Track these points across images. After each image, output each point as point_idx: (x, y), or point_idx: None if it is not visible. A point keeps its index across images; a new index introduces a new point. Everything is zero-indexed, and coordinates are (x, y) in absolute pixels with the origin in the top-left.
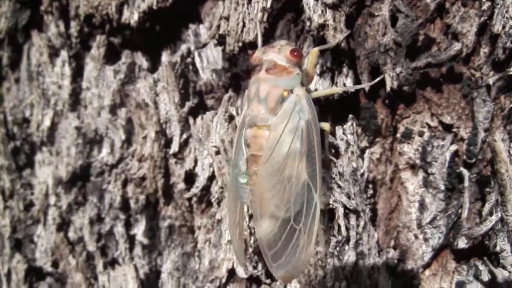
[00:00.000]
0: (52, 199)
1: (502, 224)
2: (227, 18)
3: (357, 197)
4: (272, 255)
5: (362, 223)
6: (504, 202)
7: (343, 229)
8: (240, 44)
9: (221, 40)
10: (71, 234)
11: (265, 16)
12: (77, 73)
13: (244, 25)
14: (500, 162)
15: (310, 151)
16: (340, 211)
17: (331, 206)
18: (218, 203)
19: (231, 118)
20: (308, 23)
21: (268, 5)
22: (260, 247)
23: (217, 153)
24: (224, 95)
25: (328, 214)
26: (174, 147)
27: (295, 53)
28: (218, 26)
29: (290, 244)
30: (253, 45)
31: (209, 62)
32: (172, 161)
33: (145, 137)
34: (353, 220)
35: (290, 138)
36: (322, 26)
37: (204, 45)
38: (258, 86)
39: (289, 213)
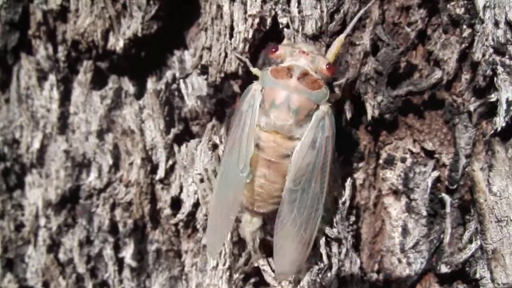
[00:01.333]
0: (42, 221)
1: (482, 252)
2: (209, 49)
3: (339, 225)
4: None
5: (344, 250)
6: (483, 231)
7: (324, 257)
8: (222, 75)
9: (203, 70)
10: (61, 256)
11: (247, 47)
12: (65, 97)
13: (226, 56)
14: (479, 192)
15: (324, 165)
16: (322, 240)
17: None
18: (204, 229)
19: (214, 146)
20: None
21: (250, 36)
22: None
23: (202, 181)
24: (208, 123)
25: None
26: (160, 173)
27: (331, 69)
28: (201, 57)
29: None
30: (235, 76)
31: (194, 88)
32: (158, 186)
33: (131, 164)
34: (335, 248)
35: (312, 152)
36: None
37: (187, 75)
38: (289, 95)
39: (300, 221)
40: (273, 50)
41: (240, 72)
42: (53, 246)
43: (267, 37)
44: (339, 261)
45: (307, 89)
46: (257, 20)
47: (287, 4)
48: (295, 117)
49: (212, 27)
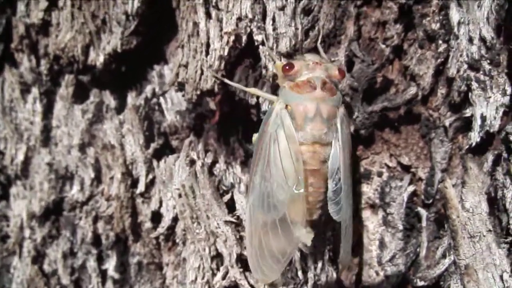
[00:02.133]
0: (27, 232)
1: (455, 267)
2: (185, 66)
3: (315, 240)
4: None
5: (320, 265)
6: (456, 246)
7: (299, 272)
8: (198, 92)
9: (180, 87)
10: (46, 267)
11: (222, 64)
12: (48, 110)
13: (202, 73)
14: (451, 208)
15: (350, 159)
16: (297, 255)
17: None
18: (183, 243)
19: (192, 162)
20: (264, 71)
21: (225, 53)
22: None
23: (180, 196)
24: (185, 139)
25: None
26: (141, 187)
27: (342, 73)
28: (177, 74)
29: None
30: (211, 93)
31: (173, 103)
32: (139, 200)
33: (112, 178)
34: (310, 262)
35: (342, 151)
36: (277, 76)
37: (164, 93)
38: (318, 105)
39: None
40: (288, 67)
41: (216, 89)
42: (38, 257)
43: (242, 54)
44: (315, 275)
45: (330, 96)
46: (232, 38)
47: (262, 22)
48: (327, 124)
49: (189, 44)
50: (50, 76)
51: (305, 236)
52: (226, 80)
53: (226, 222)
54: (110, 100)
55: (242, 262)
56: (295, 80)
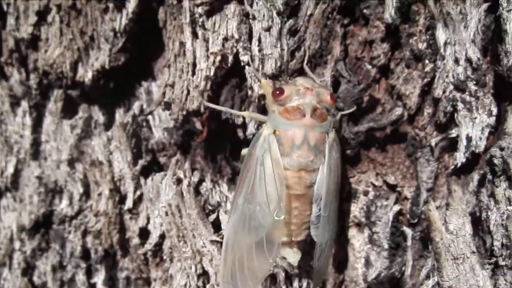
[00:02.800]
0: (17, 244)
1: None
2: (172, 86)
3: (300, 260)
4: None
5: (305, 284)
6: (440, 268)
7: None
8: (184, 112)
9: (167, 107)
10: (36, 279)
11: (209, 85)
12: (38, 124)
13: (188, 93)
14: (435, 231)
15: (338, 181)
16: (281, 275)
17: (271, 271)
18: (171, 260)
19: (178, 181)
20: (250, 91)
21: (212, 73)
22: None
23: (166, 214)
24: (172, 158)
25: (270, 278)
26: (129, 203)
27: (333, 98)
28: (164, 93)
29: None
30: (197, 113)
31: (161, 120)
32: (127, 216)
33: (100, 194)
34: (295, 282)
35: (330, 176)
36: (263, 96)
37: (150, 112)
38: (306, 133)
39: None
40: (278, 92)
41: (202, 109)
42: (28, 269)
43: (229, 74)
44: None
45: (319, 123)
46: (218, 58)
47: (248, 42)
48: (314, 151)
49: (175, 64)
50: (39, 90)
51: (292, 256)
52: (218, 107)
53: (212, 241)
54: (99, 115)
55: None
56: (285, 105)
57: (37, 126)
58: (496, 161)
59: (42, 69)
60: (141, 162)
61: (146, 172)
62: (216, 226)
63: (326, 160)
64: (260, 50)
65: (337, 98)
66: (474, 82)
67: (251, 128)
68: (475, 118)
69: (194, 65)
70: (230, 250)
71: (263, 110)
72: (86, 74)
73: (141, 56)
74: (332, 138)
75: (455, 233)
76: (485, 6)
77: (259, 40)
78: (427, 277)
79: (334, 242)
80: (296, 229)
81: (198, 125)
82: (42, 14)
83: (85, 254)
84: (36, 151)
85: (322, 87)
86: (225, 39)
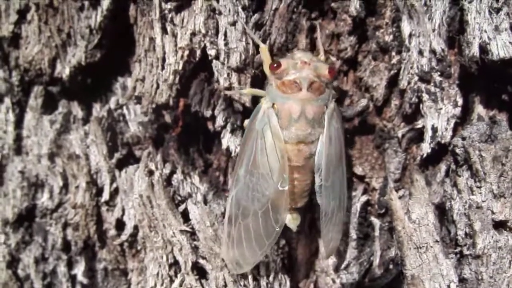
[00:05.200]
0: (2, 238)
1: (402, 277)
2: (142, 80)
3: (271, 249)
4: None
5: (272, 273)
6: (402, 257)
7: (250, 280)
8: (154, 106)
9: (138, 101)
10: (20, 272)
11: (177, 78)
12: (21, 120)
13: (158, 87)
14: (397, 220)
15: (341, 152)
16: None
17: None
18: (145, 250)
19: (150, 173)
20: (216, 85)
21: (180, 68)
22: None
23: (139, 205)
24: (144, 150)
25: None
26: (105, 195)
27: (332, 73)
28: (134, 88)
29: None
30: (166, 106)
31: (136, 114)
32: (104, 208)
33: (77, 187)
34: (263, 271)
35: (330, 146)
36: (228, 89)
37: (121, 106)
38: (303, 107)
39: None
40: (276, 66)
41: (171, 102)
42: (13, 262)
43: (197, 68)
44: (268, 283)
45: (316, 96)
46: (186, 52)
47: (215, 36)
48: (312, 123)
49: (146, 59)
50: (21, 87)
51: (291, 222)
52: (227, 92)
53: (181, 231)
54: (78, 111)
55: (198, 269)
56: (282, 79)
57: (20, 122)
58: (458, 150)
59: (23, 66)
60: (116, 155)
61: (122, 165)
62: (187, 216)
63: (326, 130)
64: (226, 44)
65: (336, 72)
66: (439, 73)
67: (219, 121)
68: (441, 108)
69: (164, 59)
70: (235, 222)
71: (230, 103)
72: (63, 71)
73: (117, 52)
74: (331, 109)
75: (417, 222)
76: None
77: (225, 35)
78: (390, 266)
79: (344, 212)
80: (296, 197)
81: (167, 118)
82: (23, 13)
83: (66, 246)
84: (19, 147)
85: (320, 62)
86: (193, 34)
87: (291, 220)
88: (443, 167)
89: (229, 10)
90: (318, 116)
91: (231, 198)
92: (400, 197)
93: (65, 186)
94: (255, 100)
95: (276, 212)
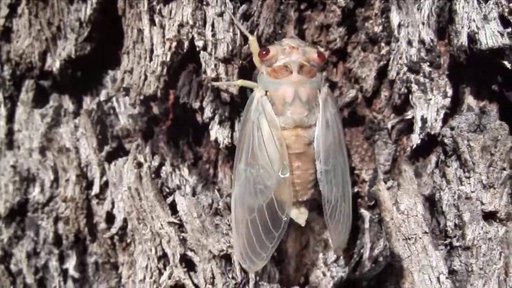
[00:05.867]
0: None
1: (391, 269)
2: (130, 72)
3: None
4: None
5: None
6: (391, 249)
7: (238, 272)
8: (141, 97)
9: (126, 93)
10: (13, 266)
11: (165, 70)
12: (12, 114)
13: (146, 78)
14: (385, 211)
15: (340, 138)
16: (235, 256)
17: (225, 252)
18: (134, 243)
19: (139, 165)
20: (203, 76)
21: (168, 59)
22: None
23: (128, 197)
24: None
25: (225, 260)
26: (96, 189)
27: (321, 56)
28: (122, 79)
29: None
30: (154, 98)
31: (126, 107)
32: (94, 201)
33: (67, 180)
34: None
35: (328, 131)
36: (215, 79)
37: (110, 98)
38: (297, 89)
39: (339, 195)
40: (264, 52)
41: (158, 94)
42: (6, 257)
43: (186, 59)
44: (256, 275)
45: (308, 78)
46: (174, 44)
47: (203, 28)
48: (308, 106)
49: (134, 50)
50: (12, 81)
51: (298, 217)
52: (214, 83)
53: (169, 223)
54: (68, 104)
55: (186, 262)
56: (272, 66)
57: (11, 116)
58: (446, 140)
59: (14, 60)
60: (106, 148)
61: (112, 158)
62: (175, 208)
63: (321, 114)
64: (213, 35)
65: (325, 56)
66: (428, 64)
67: (207, 112)
68: (430, 99)
69: (152, 51)
70: (241, 217)
71: (218, 94)
72: (54, 64)
73: (107, 45)
74: (325, 93)
75: (406, 213)
76: None
77: (212, 25)
78: (380, 258)
79: (349, 204)
80: (301, 189)
81: (155, 110)
82: (14, 7)
83: (57, 240)
84: (10, 141)
85: (309, 46)
86: (181, 25)
87: (298, 215)
88: (433, 158)
89: (217, 1)
90: (312, 98)
91: (234, 195)
92: (388, 188)
93: (56, 180)
94: (243, 91)
95: (281, 202)
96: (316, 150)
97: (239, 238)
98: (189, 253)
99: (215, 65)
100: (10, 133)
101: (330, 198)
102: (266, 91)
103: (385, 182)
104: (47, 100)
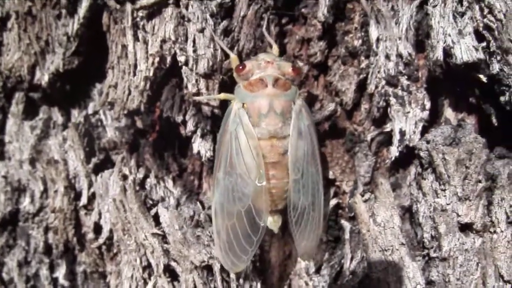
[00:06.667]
0: None
1: (368, 280)
2: (115, 87)
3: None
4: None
5: (242, 275)
6: (368, 260)
7: (219, 282)
8: (125, 112)
9: (111, 107)
10: (4, 275)
11: (148, 84)
12: (3, 125)
13: (129, 93)
14: (362, 223)
15: (313, 149)
16: (217, 267)
17: (207, 262)
18: (120, 253)
19: (124, 177)
20: (185, 90)
21: (151, 74)
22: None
23: (114, 209)
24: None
25: (206, 270)
26: (83, 200)
27: (296, 71)
28: (107, 94)
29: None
30: (137, 112)
31: (113, 119)
32: (82, 212)
33: (56, 191)
34: (232, 274)
35: (301, 142)
36: (196, 94)
37: (95, 113)
38: (271, 101)
39: (307, 204)
40: (241, 67)
41: (142, 108)
42: None
43: (168, 74)
44: (238, 286)
45: (282, 91)
46: (157, 59)
47: (185, 43)
48: (282, 118)
49: (118, 65)
50: (3, 93)
51: (272, 224)
52: (196, 98)
53: (153, 234)
54: (58, 116)
55: (170, 272)
56: (249, 79)
57: (3, 128)
58: (422, 154)
59: (4, 73)
60: (94, 160)
61: (100, 169)
62: (159, 219)
63: (293, 124)
64: (194, 51)
65: (300, 70)
66: (406, 77)
67: (190, 126)
68: (408, 112)
69: (135, 66)
70: (221, 223)
71: (200, 108)
72: (43, 77)
73: (95, 59)
74: (299, 105)
75: (382, 225)
76: (416, 2)
77: (194, 41)
78: (357, 269)
79: (321, 213)
80: (277, 198)
81: (139, 124)
82: (4, 21)
83: (48, 250)
84: (1, 152)
85: (284, 61)
86: (163, 41)
87: (272, 223)
88: (412, 169)
89: (198, 17)
90: (286, 111)
91: (214, 202)
92: (365, 201)
93: (46, 191)
94: (224, 105)
95: (258, 209)
96: (290, 160)
97: (220, 242)
98: (172, 264)
99: (196, 80)
100: (1, 144)
101: (296, 205)
102: (243, 104)
103: (362, 195)
104: (37, 112)
